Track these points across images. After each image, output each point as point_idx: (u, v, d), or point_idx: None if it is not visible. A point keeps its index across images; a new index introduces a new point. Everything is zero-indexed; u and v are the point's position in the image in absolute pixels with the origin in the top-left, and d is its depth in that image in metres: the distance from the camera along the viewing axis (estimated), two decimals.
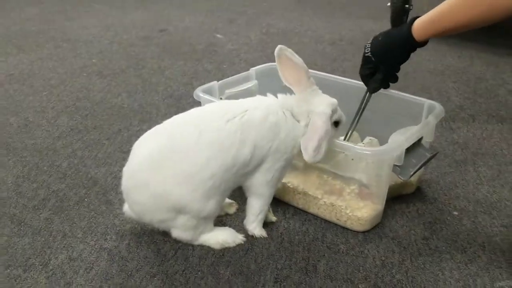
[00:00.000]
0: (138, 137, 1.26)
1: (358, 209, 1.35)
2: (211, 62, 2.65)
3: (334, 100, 1.30)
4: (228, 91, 1.61)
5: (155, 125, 1.27)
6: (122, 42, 2.95)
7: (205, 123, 1.20)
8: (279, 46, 1.27)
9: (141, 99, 2.17)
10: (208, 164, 1.16)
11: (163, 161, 1.17)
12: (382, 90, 1.52)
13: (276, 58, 1.28)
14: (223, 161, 1.17)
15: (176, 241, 1.28)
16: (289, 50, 1.27)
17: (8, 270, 1.21)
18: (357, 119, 1.49)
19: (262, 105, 1.27)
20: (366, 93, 1.48)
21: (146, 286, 1.16)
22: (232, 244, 1.28)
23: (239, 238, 1.30)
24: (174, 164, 1.17)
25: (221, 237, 1.28)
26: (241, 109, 1.23)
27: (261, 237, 1.32)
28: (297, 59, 1.27)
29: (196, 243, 1.28)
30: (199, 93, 1.51)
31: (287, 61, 1.27)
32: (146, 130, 1.26)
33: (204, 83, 1.56)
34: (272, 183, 1.29)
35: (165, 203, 1.19)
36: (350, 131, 1.50)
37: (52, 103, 2.12)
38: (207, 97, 1.48)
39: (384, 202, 1.37)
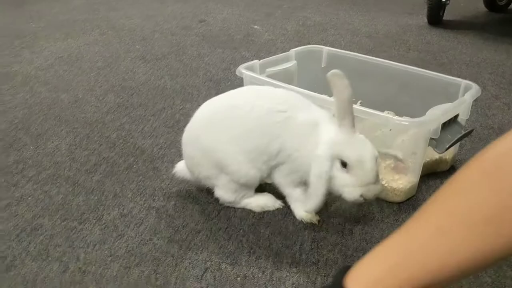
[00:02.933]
0: (182, 114, 1.36)
1: (394, 181, 1.40)
2: (248, 50, 2.74)
3: (337, 141, 1.16)
4: (268, 70, 1.69)
5: (197, 104, 1.37)
6: (164, 31, 3.06)
7: (260, 102, 1.25)
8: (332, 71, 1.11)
9: (183, 81, 2.27)
10: (249, 139, 1.24)
11: (216, 121, 1.27)
12: (418, 70, 1.56)
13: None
14: (258, 144, 1.24)
15: (219, 203, 1.36)
16: (344, 80, 1.10)
17: (65, 222, 1.30)
18: None
19: (313, 114, 1.25)
20: None
21: (192, 240, 1.24)
22: (271, 208, 1.35)
23: (278, 203, 1.37)
24: (225, 125, 1.26)
25: (262, 201, 1.35)
26: (294, 106, 1.25)
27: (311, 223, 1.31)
28: (342, 92, 1.10)
29: (238, 206, 1.35)
30: (242, 69, 1.58)
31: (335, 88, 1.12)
32: (188, 109, 1.36)
33: None
34: (288, 185, 1.31)
35: (210, 158, 1.27)
36: None
37: (99, 83, 2.23)
38: (249, 73, 1.56)
39: (419, 176, 1.42)
